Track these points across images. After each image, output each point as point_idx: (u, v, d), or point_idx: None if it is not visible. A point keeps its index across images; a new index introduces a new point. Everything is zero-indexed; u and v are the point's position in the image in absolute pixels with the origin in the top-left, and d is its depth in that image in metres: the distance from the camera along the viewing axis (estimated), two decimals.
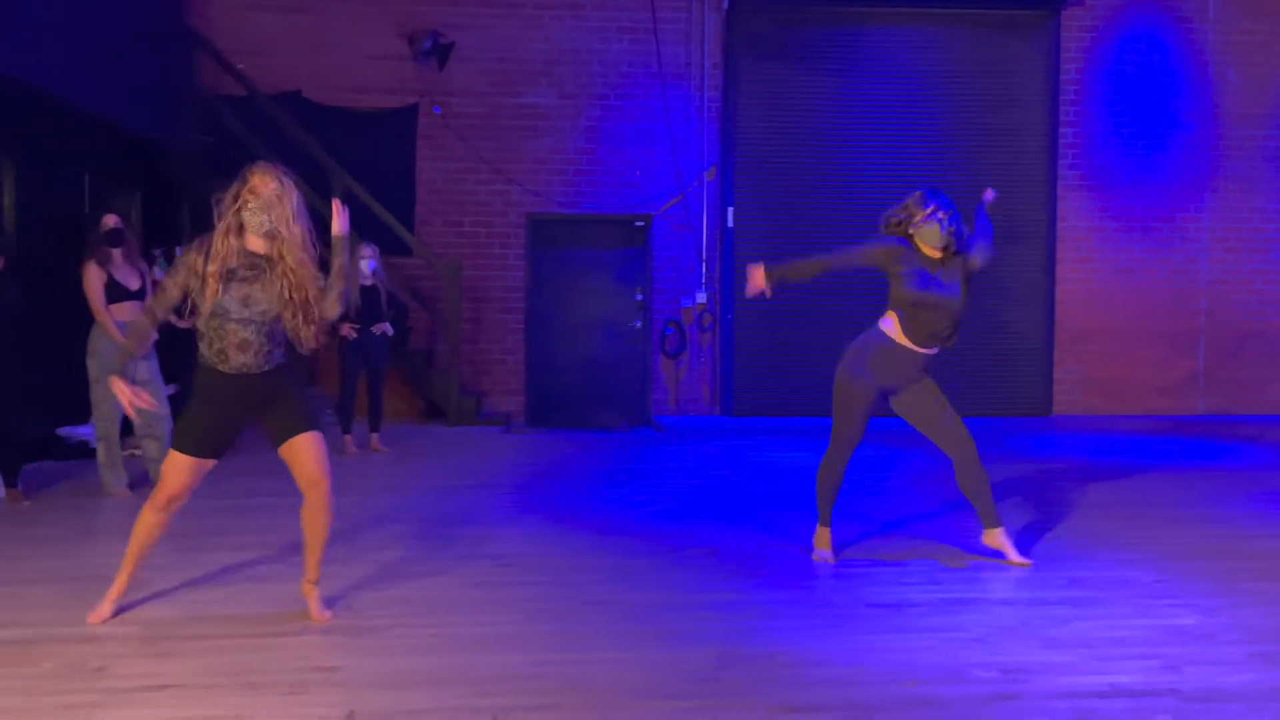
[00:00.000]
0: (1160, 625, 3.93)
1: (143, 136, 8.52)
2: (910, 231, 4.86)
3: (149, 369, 6.22)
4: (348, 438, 8.06)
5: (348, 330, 7.88)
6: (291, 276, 3.70)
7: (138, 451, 6.69)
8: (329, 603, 4.09)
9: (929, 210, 4.77)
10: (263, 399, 3.83)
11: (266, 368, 3.78)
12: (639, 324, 10.73)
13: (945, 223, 4.79)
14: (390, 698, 3.21)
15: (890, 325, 4.85)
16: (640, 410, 10.71)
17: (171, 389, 6.70)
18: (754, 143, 10.85)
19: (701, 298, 10.71)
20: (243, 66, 9.90)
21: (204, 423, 3.80)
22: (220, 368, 3.73)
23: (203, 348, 3.78)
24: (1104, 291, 11.07)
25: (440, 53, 10.09)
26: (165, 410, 6.20)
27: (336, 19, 10.26)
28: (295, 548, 4.64)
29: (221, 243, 3.68)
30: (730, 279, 10.69)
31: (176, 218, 9.18)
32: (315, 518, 3.90)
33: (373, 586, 4.41)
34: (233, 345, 3.70)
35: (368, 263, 8.03)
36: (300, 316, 3.73)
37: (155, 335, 5.04)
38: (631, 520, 5.77)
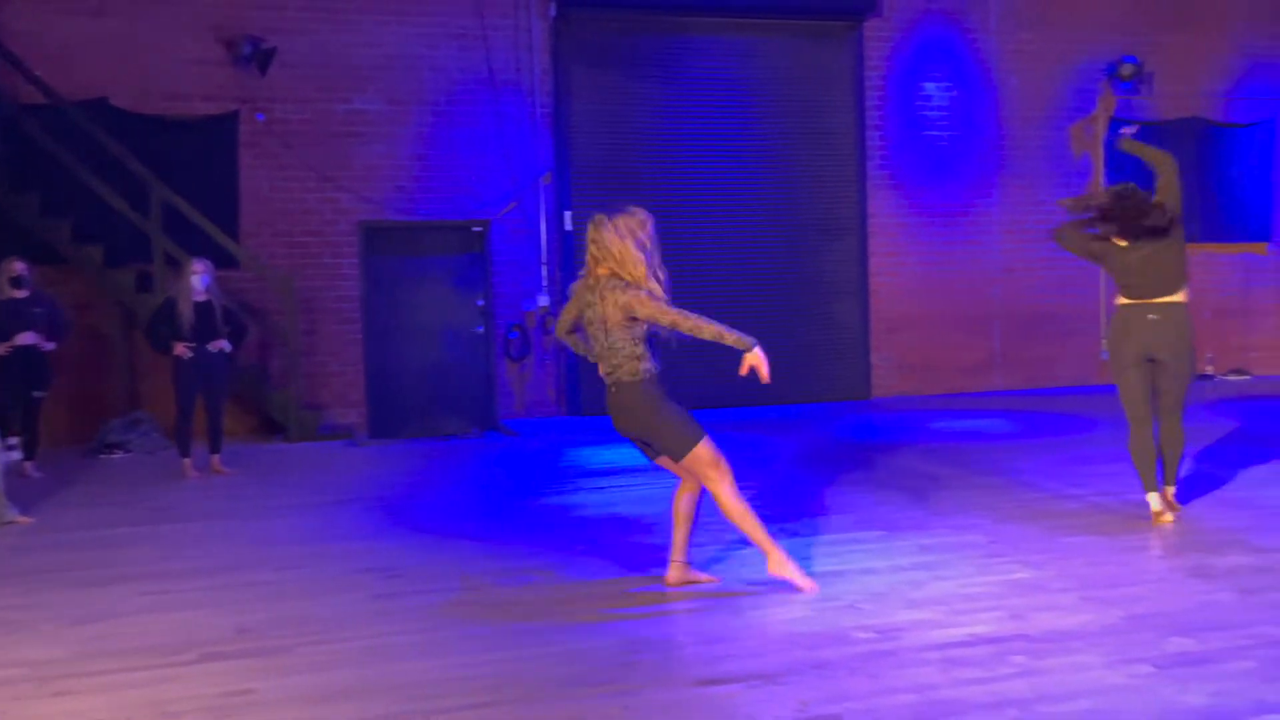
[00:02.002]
0: (1001, 580, 4.25)
1: None
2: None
3: None
4: (186, 461, 7.37)
5: (182, 350, 7.23)
6: None
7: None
8: (228, 631, 3.82)
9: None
10: None
11: None
12: (481, 329, 10.59)
13: None
14: (319, 712, 3.09)
15: None
16: (487, 415, 10.55)
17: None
18: (588, 147, 10.86)
19: (544, 300, 10.64)
20: (40, 73, 9.10)
21: None
22: None
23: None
24: (911, 282, 11.75)
25: (261, 58, 9.55)
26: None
27: (150, 24, 9.44)
28: (173, 575, 4.38)
29: None
30: (570, 281, 10.69)
31: None
32: None
33: (263, 609, 4.04)
34: None
35: (200, 278, 7.33)
36: None
37: None
38: (501, 523, 5.50)
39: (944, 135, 11.56)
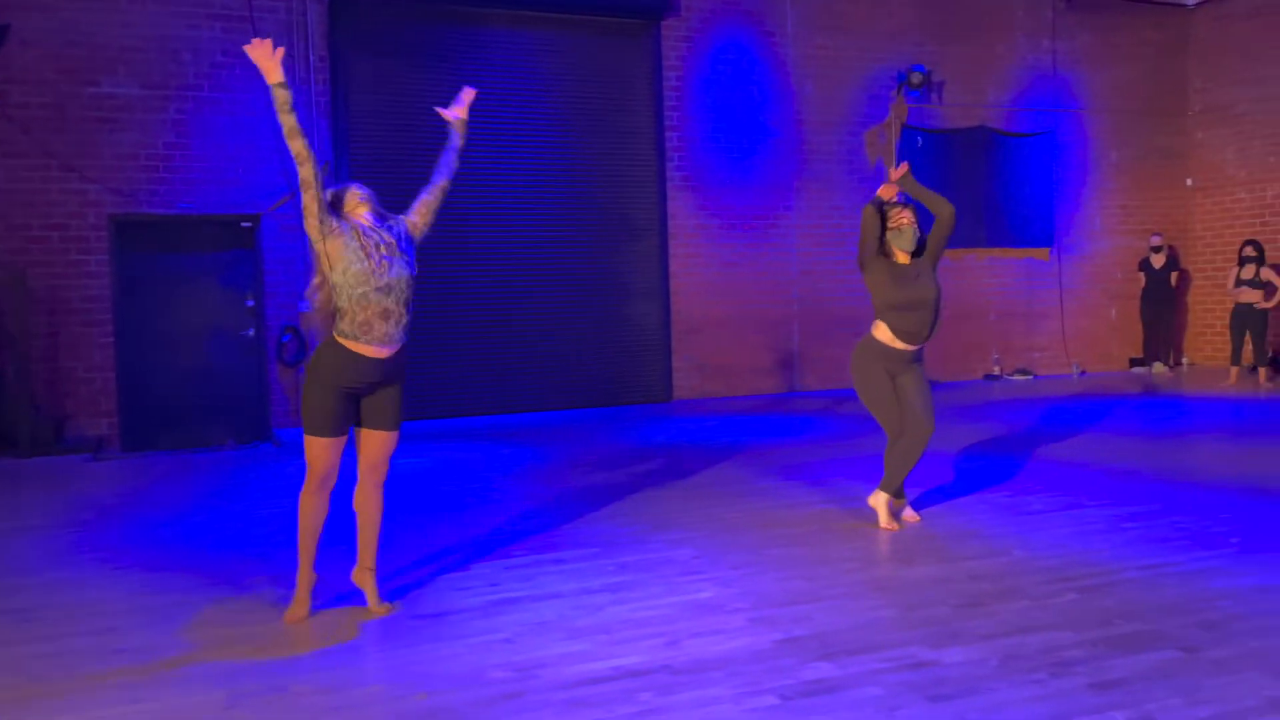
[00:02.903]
0: (681, 601, 3.84)
1: None
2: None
3: None
4: None
5: None
6: None
7: None
8: None
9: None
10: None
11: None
12: (251, 332, 9.83)
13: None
14: None
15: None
16: (259, 425, 9.82)
17: None
18: (370, 140, 10.20)
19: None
20: None
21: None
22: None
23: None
24: (712, 284, 11.64)
25: None
26: None
27: None
28: None
29: None
30: None
31: None
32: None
33: None
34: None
35: None
36: None
37: None
38: (200, 550, 4.78)
39: (743, 138, 11.48)
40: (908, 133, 12.07)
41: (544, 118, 10.61)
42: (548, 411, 10.55)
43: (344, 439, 3.76)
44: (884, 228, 4.93)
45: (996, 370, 12.65)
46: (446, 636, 3.59)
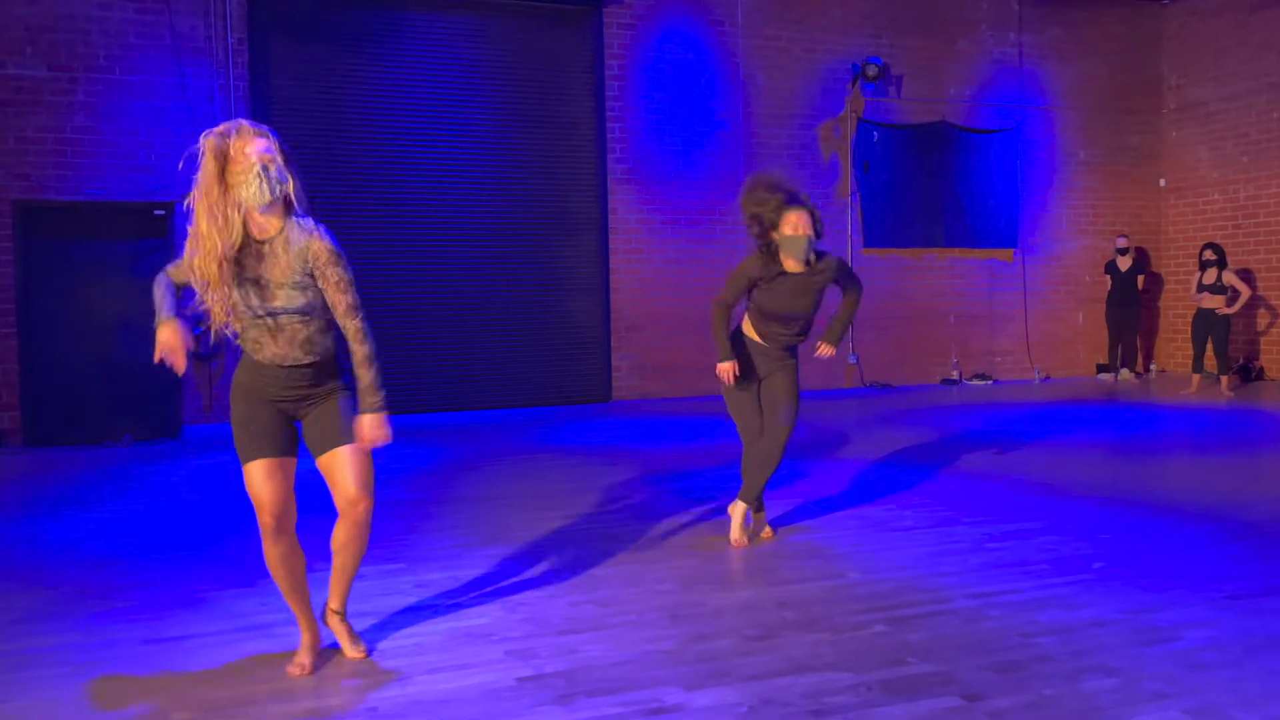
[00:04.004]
0: (449, 629, 3.52)
1: None
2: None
3: None
4: None
5: None
6: None
7: None
8: None
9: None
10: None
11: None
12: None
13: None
14: None
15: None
16: (171, 419, 9.57)
17: None
18: (289, 127, 9.82)
19: None
20: None
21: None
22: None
23: None
24: (654, 281, 11.28)
25: None
26: None
27: None
28: None
29: None
30: None
31: None
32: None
33: None
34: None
35: None
36: None
37: None
38: (37, 556, 4.55)
39: (689, 130, 11.14)
40: (864, 127, 11.72)
41: (477, 107, 10.32)
42: (482, 411, 10.26)
43: (286, 461, 3.20)
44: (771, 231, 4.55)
45: (954, 375, 12.28)
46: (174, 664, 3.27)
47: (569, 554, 4.51)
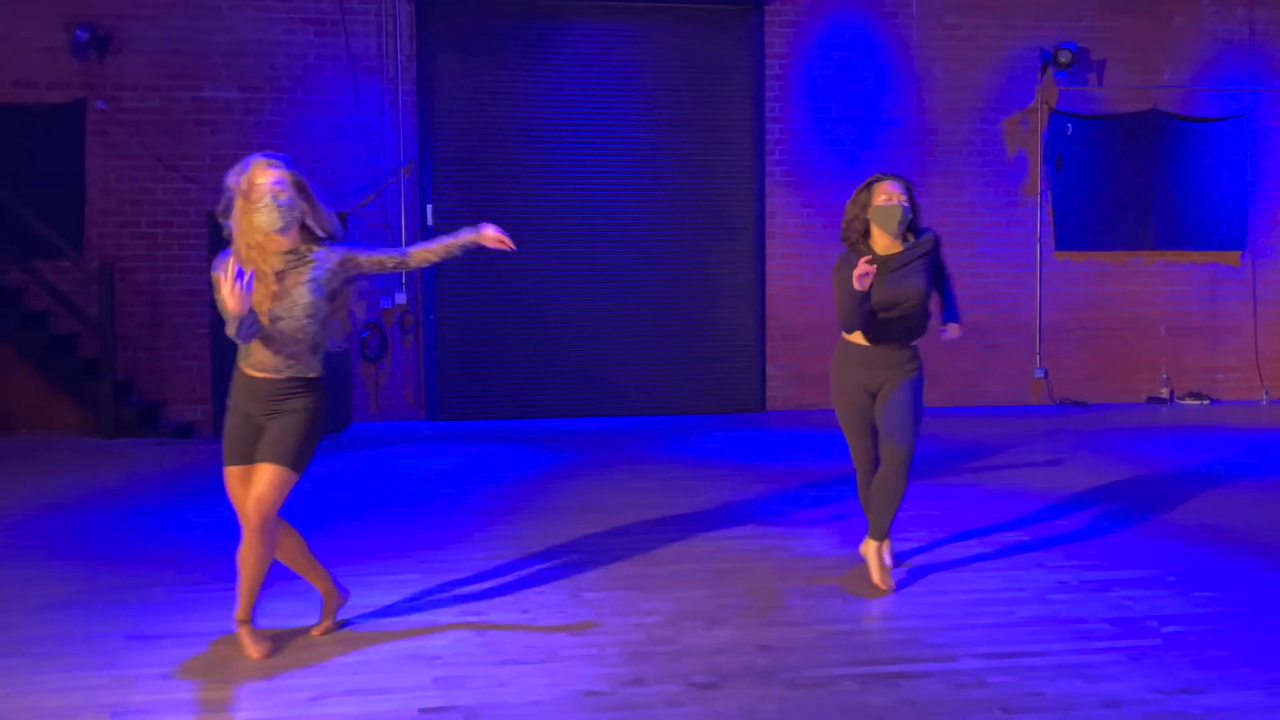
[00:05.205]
0: (406, 651, 3.51)
1: None
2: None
3: None
4: None
5: None
6: None
7: None
8: None
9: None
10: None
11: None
12: (336, 324, 10.25)
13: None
14: None
15: None
16: (341, 416, 10.24)
17: None
18: (453, 138, 10.36)
19: (402, 298, 10.24)
20: None
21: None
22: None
23: None
24: (813, 287, 10.85)
25: (98, 44, 9.51)
26: None
27: (2, 10, 9.62)
28: None
29: None
30: (431, 278, 10.28)
31: None
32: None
33: None
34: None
35: None
36: None
37: None
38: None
39: (855, 129, 10.66)
40: (1056, 118, 10.77)
41: (632, 112, 10.36)
42: (631, 416, 10.27)
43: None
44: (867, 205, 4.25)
45: (1164, 393, 11.04)
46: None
47: (585, 574, 4.42)
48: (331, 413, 9.74)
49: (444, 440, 8.77)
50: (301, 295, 3.40)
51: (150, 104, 9.63)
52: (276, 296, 3.38)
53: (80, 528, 5.38)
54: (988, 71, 10.75)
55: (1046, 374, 10.91)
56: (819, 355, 10.66)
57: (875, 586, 4.14)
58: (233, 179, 3.47)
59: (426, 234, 10.03)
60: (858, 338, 4.29)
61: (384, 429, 9.66)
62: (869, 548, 4.27)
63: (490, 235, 3.65)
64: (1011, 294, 10.89)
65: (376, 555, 4.74)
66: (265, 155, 3.47)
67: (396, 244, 10.01)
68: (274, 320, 3.37)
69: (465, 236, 3.66)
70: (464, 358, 10.16)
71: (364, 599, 4.03)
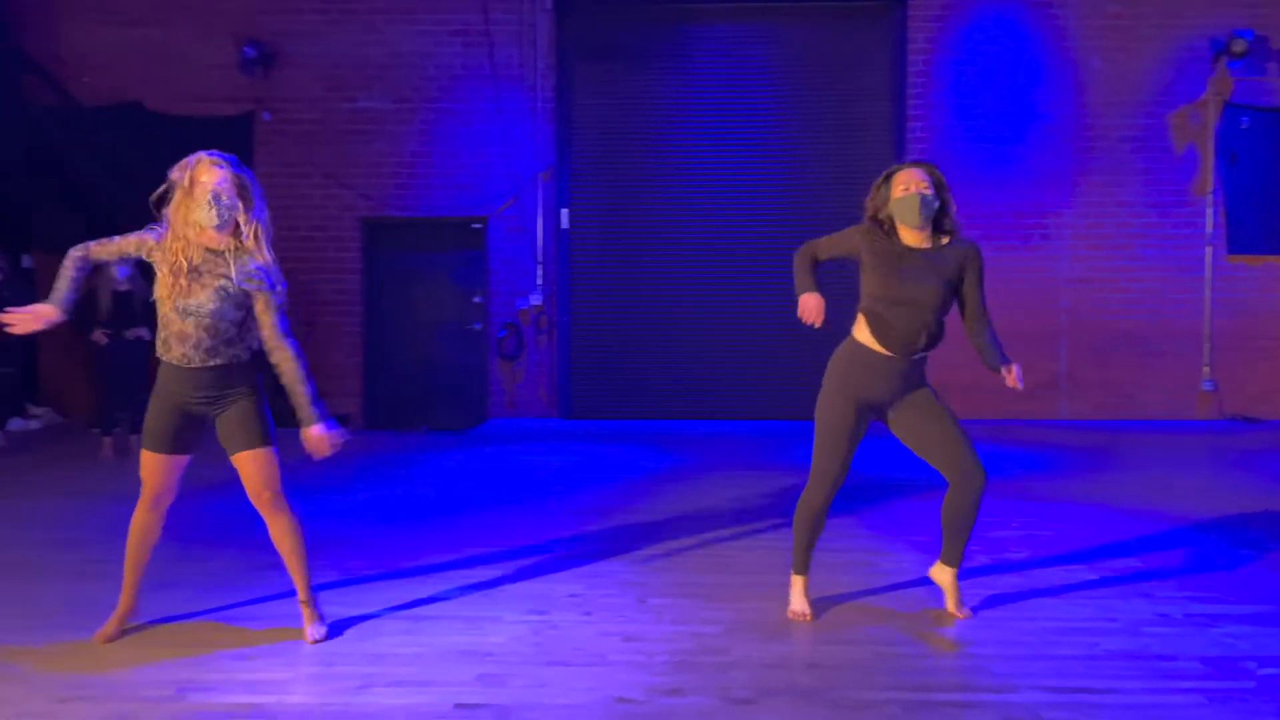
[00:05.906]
0: (454, 646, 3.32)
1: None
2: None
3: None
4: (107, 440, 7.90)
5: (99, 336, 7.80)
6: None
7: None
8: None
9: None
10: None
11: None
12: (479, 325, 10.64)
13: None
14: None
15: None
16: (478, 412, 10.62)
17: None
18: (589, 144, 10.57)
19: (537, 300, 10.52)
20: (87, 79, 10.29)
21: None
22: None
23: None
24: None
25: (264, 60, 10.21)
26: None
27: (180, 32, 10.42)
28: None
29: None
30: (566, 281, 10.53)
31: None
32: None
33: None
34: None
35: (119, 269, 7.78)
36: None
37: None
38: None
39: (1005, 126, 10.20)
40: (1230, 111, 10.00)
41: (766, 112, 10.32)
42: (755, 420, 10.21)
43: (179, 459, 3.66)
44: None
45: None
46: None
47: (657, 580, 4.44)
48: (467, 409, 10.19)
49: (571, 439, 8.96)
50: (209, 297, 3.49)
51: (310, 115, 10.26)
52: (189, 292, 3.48)
53: (219, 511, 5.79)
54: (1152, 62, 10.10)
55: (1216, 387, 10.15)
56: (960, 364, 10.25)
57: (951, 613, 3.96)
58: (176, 173, 3.56)
59: (561, 238, 10.30)
60: (870, 341, 3.90)
61: (518, 426, 9.95)
62: (943, 575, 4.00)
63: (313, 436, 3.59)
64: (1174, 299, 10.18)
65: (461, 548, 4.93)
66: (211, 154, 3.60)
67: (534, 247, 10.31)
68: (183, 314, 3.49)
69: (304, 412, 3.60)
70: (596, 359, 10.36)
71: (435, 591, 4.20)
